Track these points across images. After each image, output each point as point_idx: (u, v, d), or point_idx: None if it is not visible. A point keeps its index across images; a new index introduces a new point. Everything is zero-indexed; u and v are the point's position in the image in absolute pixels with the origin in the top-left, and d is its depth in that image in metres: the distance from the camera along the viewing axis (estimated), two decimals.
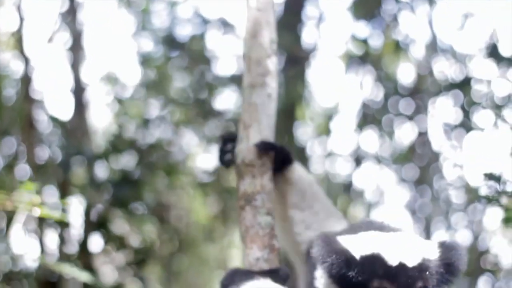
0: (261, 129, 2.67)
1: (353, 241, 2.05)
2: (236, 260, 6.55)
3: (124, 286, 5.43)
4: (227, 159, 2.70)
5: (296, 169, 2.74)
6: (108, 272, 5.79)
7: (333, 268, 2.00)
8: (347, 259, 1.99)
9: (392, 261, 1.98)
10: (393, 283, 1.96)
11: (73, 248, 5.01)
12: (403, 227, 2.25)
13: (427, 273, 1.97)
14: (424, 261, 1.99)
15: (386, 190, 6.08)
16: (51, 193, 5.12)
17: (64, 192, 4.95)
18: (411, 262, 1.98)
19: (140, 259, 5.34)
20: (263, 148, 2.62)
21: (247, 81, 2.73)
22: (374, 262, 1.99)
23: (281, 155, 2.70)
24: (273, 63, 2.77)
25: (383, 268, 1.98)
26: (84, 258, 4.95)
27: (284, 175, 2.73)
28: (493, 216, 5.36)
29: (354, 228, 2.21)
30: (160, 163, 5.45)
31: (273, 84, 2.74)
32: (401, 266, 1.97)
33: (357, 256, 2.00)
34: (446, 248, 2.04)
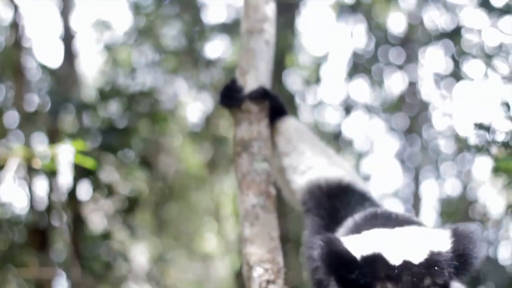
0: (258, 75, 2.67)
1: (354, 241, 1.92)
2: (226, 207, 6.58)
3: (113, 234, 5.44)
4: (228, 102, 2.68)
5: (288, 120, 2.73)
6: (97, 220, 5.80)
7: (335, 271, 1.88)
8: (348, 262, 1.86)
9: (395, 260, 1.83)
10: (398, 284, 1.80)
11: (62, 196, 5.00)
12: (413, 216, 2.13)
13: (436, 268, 1.81)
14: (432, 256, 1.82)
15: (375, 140, 6.09)
16: (40, 140, 5.11)
17: (53, 139, 4.93)
18: (416, 259, 1.81)
19: (129, 207, 5.34)
20: (260, 95, 2.61)
21: (245, 27, 2.72)
22: (375, 263, 1.84)
23: (276, 105, 2.70)
24: (271, 9, 2.76)
25: (386, 269, 1.82)
26: (73, 206, 4.95)
27: (275, 126, 2.72)
28: (482, 166, 5.39)
29: (358, 225, 2.08)
30: (149, 111, 5.43)
31: (271, 31, 2.73)
32: (405, 264, 1.81)
33: (358, 258, 1.85)
34: (459, 237, 1.87)
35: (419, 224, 2.03)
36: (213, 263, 6.99)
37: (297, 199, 2.59)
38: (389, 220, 2.03)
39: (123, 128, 5.09)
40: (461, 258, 1.83)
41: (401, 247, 1.85)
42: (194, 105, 6.31)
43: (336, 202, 2.38)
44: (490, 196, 5.61)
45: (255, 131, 2.60)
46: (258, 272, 2.35)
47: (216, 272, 6.95)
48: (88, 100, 5.29)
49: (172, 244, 6.51)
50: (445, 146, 5.76)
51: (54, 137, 4.98)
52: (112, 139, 4.96)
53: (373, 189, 5.94)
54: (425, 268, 1.80)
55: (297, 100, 5.81)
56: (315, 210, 2.39)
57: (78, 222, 4.97)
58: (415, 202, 6.01)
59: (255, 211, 2.46)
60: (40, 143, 5.00)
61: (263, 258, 2.36)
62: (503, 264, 4.19)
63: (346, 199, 2.39)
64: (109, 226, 5.53)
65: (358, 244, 1.89)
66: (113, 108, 5.29)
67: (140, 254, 6.39)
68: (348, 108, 5.81)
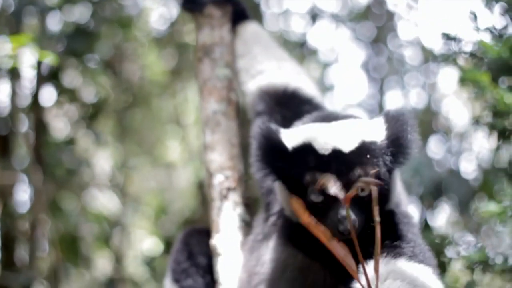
0: None
1: (290, 134, 1.93)
2: (190, 115, 6.56)
3: (76, 140, 5.42)
4: (190, 6, 2.64)
5: (248, 24, 2.70)
6: (60, 126, 5.76)
7: (269, 161, 1.88)
8: (280, 151, 1.87)
9: (325, 149, 1.82)
10: (326, 172, 1.78)
11: (25, 101, 4.94)
12: (358, 115, 2.08)
13: (368, 156, 1.81)
14: (363, 144, 1.82)
15: (341, 49, 6.06)
16: (3, 44, 5.01)
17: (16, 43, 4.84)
18: (346, 148, 1.81)
19: (93, 113, 5.31)
20: None
21: None
22: (305, 152, 1.85)
23: (238, 9, 2.66)
24: None
25: (315, 158, 1.83)
26: (36, 111, 4.89)
27: (236, 30, 2.69)
28: (447, 77, 5.40)
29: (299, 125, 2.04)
30: (114, 16, 5.33)
31: None
32: (335, 153, 1.81)
33: (290, 147, 1.87)
34: (391, 122, 1.89)
35: (358, 118, 2.01)
36: (176, 171, 7.01)
37: (248, 102, 2.57)
38: (329, 117, 2.00)
39: (88, 33, 5.01)
40: (394, 144, 1.84)
41: (333, 137, 1.83)
42: (158, 11, 6.22)
43: (284, 108, 2.37)
44: (454, 108, 5.64)
45: (217, 36, 2.58)
46: (218, 179, 2.37)
47: (179, 180, 6.98)
48: (52, 3, 5.18)
49: (135, 151, 6.50)
50: (411, 56, 5.75)
51: (17, 40, 4.88)
52: (76, 43, 4.88)
53: (334, 98, 5.97)
54: (356, 157, 1.80)
55: (263, 8, 5.74)
56: (264, 116, 2.38)
57: (41, 128, 4.92)
58: (380, 112, 6.00)
59: (216, 118, 2.46)
60: (2, 46, 4.91)
61: (223, 165, 2.38)
62: (466, 178, 4.24)
63: (293, 105, 2.38)
64: (72, 132, 5.49)
65: (293, 136, 1.90)
66: (78, 12, 5.19)
67: (103, 161, 6.39)
68: (314, 17, 5.75)
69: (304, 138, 1.87)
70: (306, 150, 1.84)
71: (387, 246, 1.86)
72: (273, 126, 1.95)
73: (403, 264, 1.78)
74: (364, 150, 1.81)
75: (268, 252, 2.08)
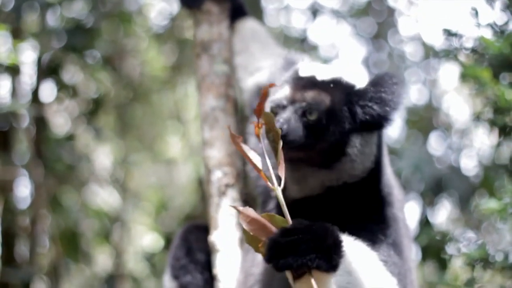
0: None
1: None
2: (190, 111, 6.56)
3: (76, 136, 5.41)
4: (188, 2, 2.63)
5: (246, 20, 2.70)
6: (60, 121, 5.75)
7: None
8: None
9: (304, 72, 1.97)
10: (292, 90, 1.92)
11: (25, 97, 4.94)
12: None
13: (339, 94, 1.91)
14: (339, 80, 1.94)
15: (341, 45, 6.05)
16: (3, 40, 5.01)
17: (16, 39, 4.84)
18: (321, 76, 1.93)
19: (93, 109, 5.30)
20: None
21: None
22: (293, 74, 1.99)
23: (236, 6, 2.66)
24: None
25: (294, 77, 1.96)
26: (36, 107, 4.89)
27: (234, 26, 2.68)
28: (448, 73, 5.40)
29: None
30: (114, 11, 5.32)
31: None
32: (310, 77, 1.94)
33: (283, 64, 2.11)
34: (376, 78, 1.96)
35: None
36: (177, 166, 7.01)
37: (245, 99, 2.58)
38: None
39: (88, 28, 5.00)
40: (373, 95, 1.90)
41: (318, 69, 1.97)
42: (158, 6, 6.21)
43: None
44: (455, 104, 5.63)
45: (216, 33, 2.58)
46: (217, 176, 2.36)
47: (179, 175, 6.97)
48: None
49: (136, 147, 6.50)
50: (412, 52, 5.74)
51: (17, 36, 4.88)
52: (76, 39, 4.87)
53: None
54: (323, 86, 1.90)
55: (263, 3, 5.72)
56: None
57: (41, 123, 4.92)
58: None
59: (214, 114, 2.45)
60: (2, 42, 4.90)
61: (222, 162, 2.37)
62: (466, 174, 4.24)
63: None
64: (72, 128, 5.49)
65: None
66: (78, 8, 5.18)
67: (103, 157, 6.39)
68: (314, 12, 5.74)
69: (299, 66, 2.04)
70: (293, 72, 2.00)
71: (353, 222, 1.89)
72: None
73: (355, 248, 1.76)
74: (335, 85, 1.92)
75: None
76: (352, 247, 1.71)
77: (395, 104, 1.91)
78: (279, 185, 1.51)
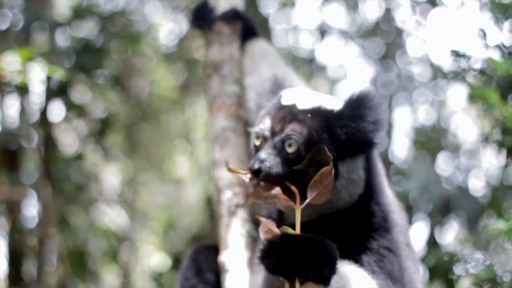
0: None
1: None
2: (198, 131, 6.57)
3: (85, 155, 5.43)
4: (200, 22, 2.65)
5: (257, 41, 2.70)
6: (69, 141, 5.77)
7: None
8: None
9: (286, 101, 1.97)
10: (272, 117, 1.94)
11: (33, 116, 4.96)
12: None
13: (320, 122, 1.89)
14: (318, 108, 1.93)
15: (350, 65, 6.06)
16: (12, 59, 5.02)
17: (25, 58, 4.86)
18: (302, 106, 1.93)
19: (101, 128, 5.32)
20: (232, 16, 2.59)
21: None
22: (276, 101, 2.00)
23: (247, 27, 2.67)
24: None
25: (275, 106, 1.97)
26: (45, 127, 4.91)
27: (244, 47, 2.69)
28: (456, 94, 5.40)
29: None
30: (123, 32, 5.35)
31: None
32: (290, 106, 1.94)
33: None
34: (353, 98, 1.94)
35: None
36: (185, 186, 7.02)
37: (253, 118, 2.58)
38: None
39: (97, 48, 5.03)
40: (351, 116, 1.90)
41: (299, 97, 1.98)
42: (168, 27, 6.24)
43: None
44: (463, 125, 5.63)
45: (227, 53, 2.58)
46: (227, 196, 2.36)
47: (187, 195, 6.98)
48: (62, 18, 5.20)
49: (143, 167, 6.51)
50: (420, 73, 5.74)
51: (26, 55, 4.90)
52: (85, 59, 4.89)
53: None
54: (303, 115, 1.90)
55: (271, 24, 5.74)
56: None
57: (49, 143, 4.94)
58: (388, 129, 6.02)
59: (225, 134, 2.46)
60: (12, 61, 4.91)
61: (232, 182, 2.37)
62: (474, 195, 4.23)
63: None
64: (81, 148, 5.50)
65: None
66: (87, 28, 5.21)
67: (111, 176, 6.40)
68: (322, 33, 5.76)
69: (283, 94, 2.02)
70: (278, 99, 2.00)
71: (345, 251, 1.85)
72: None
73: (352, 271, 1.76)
74: (314, 113, 1.91)
75: (261, 273, 2.10)
76: (350, 270, 1.72)
77: (374, 120, 1.90)
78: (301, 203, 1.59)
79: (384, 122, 1.91)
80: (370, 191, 2.00)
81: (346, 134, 1.89)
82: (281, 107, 1.95)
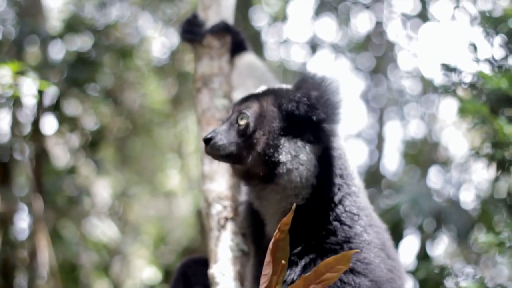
0: (220, 10, 2.64)
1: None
2: (190, 145, 6.57)
3: (76, 169, 5.42)
4: (189, 36, 2.65)
5: (246, 55, 2.70)
6: (61, 154, 5.76)
7: None
8: None
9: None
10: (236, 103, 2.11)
11: (25, 129, 4.95)
12: None
13: (274, 98, 2.01)
14: (269, 88, 2.10)
15: (341, 79, 6.07)
16: (3, 73, 5.01)
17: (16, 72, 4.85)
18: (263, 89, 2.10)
19: (93, 142, 5.32)
20: (222, 29, 2.59)
21: None
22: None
23: (237, 40, 2.67)
24: None
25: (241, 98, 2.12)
26: (37, 140, 4.90)
27: (233, 61, 2.69)
28: (446, 108, 5.42)
29: None
30: (115, 45, 5.36)
31: None
32: (251, 94, 2.10)
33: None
34: (304, 78, 2.05)
35: None
36: (176, 200, 7.01)
37: None
38: None
39: (89, 62, 5.03)
40: (300, 94, 1.99)
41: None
42: (159, 40, 6.25)
43: None
44: (454, 138, 5.65)
45: (216, 67, 2.59)
46: (216, 209, 2.36)
47: (178, 209, 6.97)
48: (54, 31, 5.21)
49: (135, 180, 6.51)
50: (410, 87, 5.77)
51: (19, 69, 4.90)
52: (78, 72, 4.90)
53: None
54: (257, 96, 2.07)
55: (263, 37, 5.77)
56: None
57: (41, 156, 4.93)
58: (379, 143, 6.03)
59: None
60: (3, 75, 4.90)
61: (222, 195, 2.37)
62: (465, 207, 4.24)
63: None
64: (73, 161, 5.50)
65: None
66: (79, 41, 5.22)
67: (103, 189, 6.39)
68: (314, 46, 5.78)
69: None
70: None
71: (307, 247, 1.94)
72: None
73: None
74: (267, 93, 2.07)
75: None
76: None
77: (321, 100, 1.97)
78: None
79: (333, 104, 1.98)
80: (328, 188, 2.02)
81: (292, 109, 1.99)
82: (246, 95, 2.11)
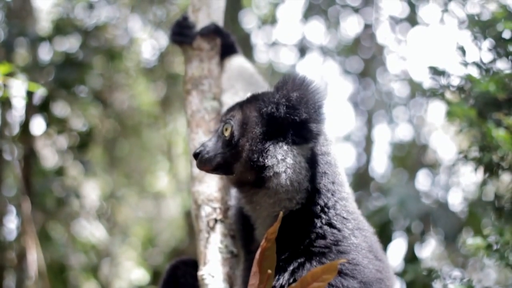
0: (210, 12, 2.64)
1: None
2: (179, 147, 6.57)
3: (65, 170, 5.41)
4: (179, 38, 2.65)
5: (235, 58, 2.71)
6: (49, 155, 5.75)
7: None
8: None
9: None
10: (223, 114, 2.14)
11: (14, 130, 4.94)
12: None
13: (256, 104, 2.02)
14: (253, 94, 2.11)
15: (329, 82, 6.09)
16: None
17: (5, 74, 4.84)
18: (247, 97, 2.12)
19: (81, 143, 5.31)
20: (212, 31, 2.59)
21: None
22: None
23: (227, 43, 2.67)
24: None
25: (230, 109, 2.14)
26: (25, 141, 4.89)
27: (223, 63, 2.70)
28: (434, 111, 5.43)
29: None
30: (104, 46, 5.35)
31: None
32: (237, 103, 2.12)
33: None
34: (283, 80, 2.02)
35: None
36: (165, 201, 7.01)
37: None
38: None
39: (78, 63, 5.02)
40: (280, 96, 1.98)
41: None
42: (148, 42, 6.25)
43: None
44: (442, 141, 5.67)
45: (206, 69, 2.59)
46: (206, 211, 2.36)
47: (167, 210, 6.97)
48: (43, 33, 5.20)
49: (123, 182, 6.50)
50: (399, 90, 5.78)
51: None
52: (66, 74, 4.89)
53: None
54: (242, 104, 2.09)
55: (253, 40, 5.77)
56: None
57: (30, 157, 4.92)
58: (367, 145, 6.05)
59: None
60: None
61: (211, 197, 2.37)
62: (453, 210, 4.24)
63: None
64: (61, 162, 5.49)
65: None
66: (68, 43, 5.21)
67: (91, 191, 6.38)
68: (303, 49, 5.79)
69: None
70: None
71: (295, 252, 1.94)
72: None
73: None
74: (250, 100, 2.09)
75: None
76: None
77: (302, 101, 1.96)
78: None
79: (315, 104, 1.97)
80: (319, 193, 2.02)
81: (272, 111, 1.98)
82: (232, 105, 2.14)
